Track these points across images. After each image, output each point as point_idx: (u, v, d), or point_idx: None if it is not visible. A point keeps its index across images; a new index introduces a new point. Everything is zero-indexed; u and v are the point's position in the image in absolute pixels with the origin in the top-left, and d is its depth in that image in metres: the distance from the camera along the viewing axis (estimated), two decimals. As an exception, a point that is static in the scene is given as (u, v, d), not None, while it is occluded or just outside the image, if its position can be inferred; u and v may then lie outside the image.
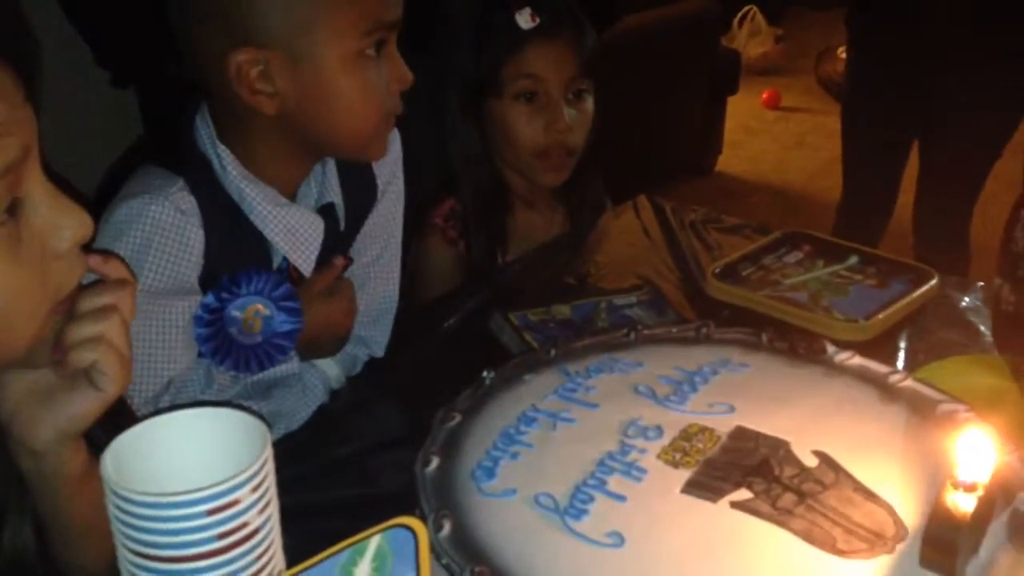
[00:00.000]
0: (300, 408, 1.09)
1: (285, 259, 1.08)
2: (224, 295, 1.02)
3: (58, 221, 0.65)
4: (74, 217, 0.66)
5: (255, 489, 0.61)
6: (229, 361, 1.03)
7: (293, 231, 1.05)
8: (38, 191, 0.64)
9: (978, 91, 2.10)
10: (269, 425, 0.65)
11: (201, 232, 1.00)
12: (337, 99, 0.99)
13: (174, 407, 0.66)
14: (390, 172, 1.20)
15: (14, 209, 0.63)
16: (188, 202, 1.00)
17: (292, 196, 1.08)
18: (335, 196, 1.11)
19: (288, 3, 0.95)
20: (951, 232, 2.29)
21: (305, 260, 1.07)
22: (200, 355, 1.05)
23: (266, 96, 0.98)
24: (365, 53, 0.99)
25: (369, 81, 1.00)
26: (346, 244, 1.16)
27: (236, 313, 1.03)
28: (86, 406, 0.69)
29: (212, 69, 0.98)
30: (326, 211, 1.10)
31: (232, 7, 0.95)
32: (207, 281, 1.02)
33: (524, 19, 1.39)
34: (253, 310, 1.03)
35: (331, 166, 1.11)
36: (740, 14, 4.85)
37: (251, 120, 1.01)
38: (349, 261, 1.14)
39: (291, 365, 1.09)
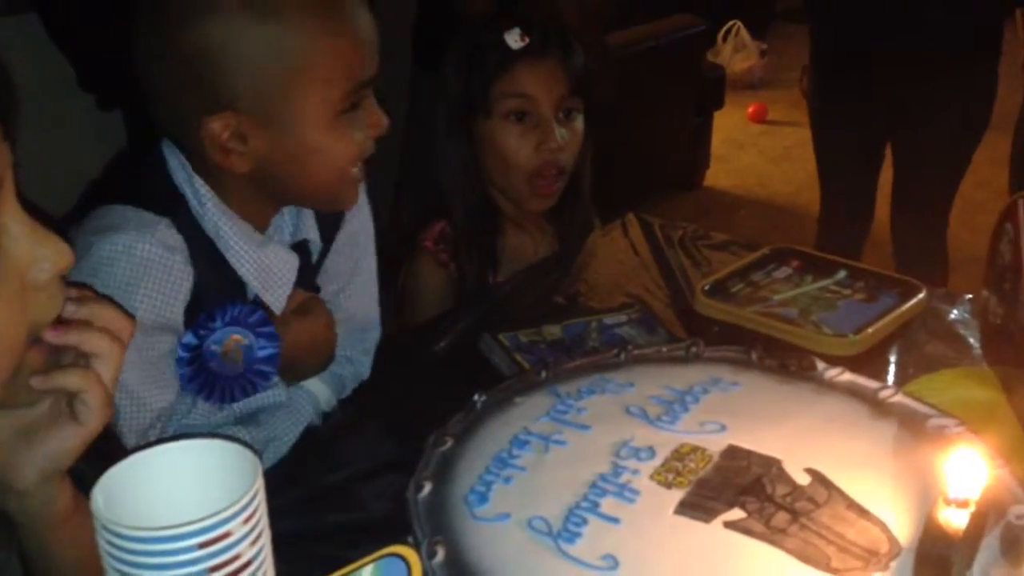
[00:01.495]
0: (289, 431, 1.09)
1: None
2: (202, 332, 1.01)
3: (37, 252, 0.64)
4: (53, 248, 0.64)
5: (247, 521, 0.61)
6: (216, 395, 1.03)
7: (266, 270, 1.04)
8: (14, 223, 0.63)
9: (939, 99, 2.12)
10: (259, 453, 0.65)
11: (190, 268, 1.00)
12: (312, 156, 0.99)
13: (163, 440, 0.66)
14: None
15: None
16: (175, 239, 0.99)
17: (265, 228, 1.07)
18: (311, 232, 1.11)
19: (265, 70, 0.94)
20: (927, 239, 2.31)
21: (276, 299, 1.06)
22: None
23: (239, 155, 0.98)
24: (342, 110, 0.99)
25: (345, 136, 1.00)
26: (315, 273, 1.15)
27: (215, 347, 1.02)
28: (67, 443, 0.68)
29: (185, 129, 0.98)
30: (300, 247, 1.10)
31: (207, 74, 0.94)
32: (187, 316, 1.02)
33: (513, 39, 1.39)
34: (232, 342, 1.03)
35: None
36: (724, 29, 4.89)
37: (222, 172, 1.00)
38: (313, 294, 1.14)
39: (277, 391, 1.08)
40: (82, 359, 0.69)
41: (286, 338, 1.06)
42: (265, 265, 1.04)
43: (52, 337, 0.67)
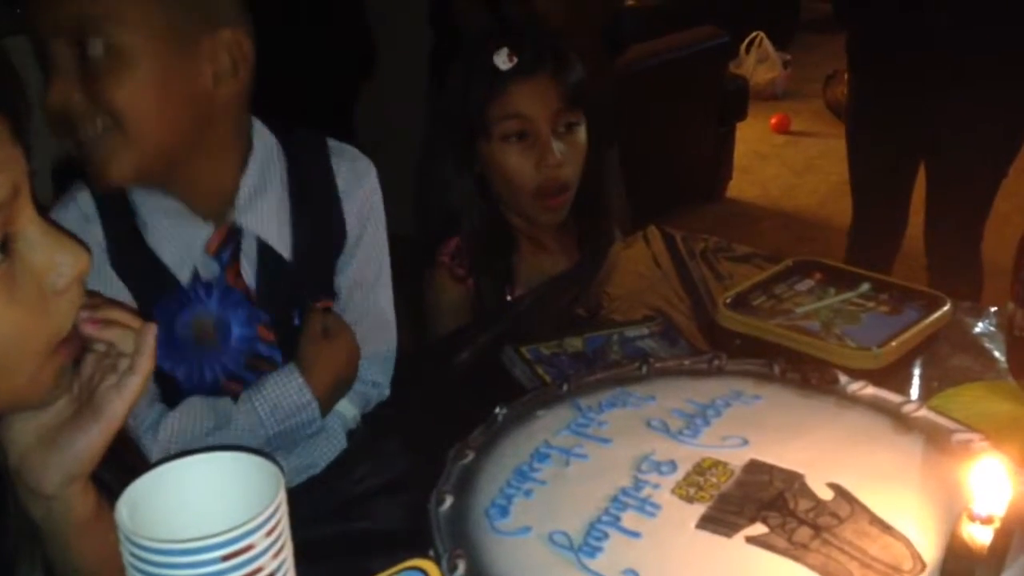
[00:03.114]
0: (324, 456, 1.10)
1: (222, 269, 1.08)
2: (161, 318, 1.02)
3: (54, 258, 0.65)
4: (71, 253, 0.66)
5: (269, 533, 0.61)
6: (208, 373, 1.06)
7: (175, 240, 1.06)
8: (31, 229, 0.64)
9: (979, 109, 2.10)
10: (283, 469, 0.66)
11: (101, 234, 1.04)
12: None
13: (187, 452, 0.66)
14: (363, 213, 1.18)
15: (7, 247, 0.63)
16: (90, 207, 1.05)
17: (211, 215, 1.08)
18: (267, 229, 1.09)
19: None
20: (963, 251, 2.29)
21: (182, 271, 1.07)
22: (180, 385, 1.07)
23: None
24: None
25: None
26: (317, 285, 1.14)
27: (186, 332, 1.06)
28: (90, 442, 0.70)
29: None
30: (236, 232, 1.08)
31: None
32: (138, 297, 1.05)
33: (502, 60, 1.39)
34: (199, 323, 1.06)
35: (282, 199, 1.10)
36: (747, 40, 4.89)
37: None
38: (329, 304, 1.15)
39: (315, 422, 1.09)
40: (107, 358, 0.70)
41: (318, 364, 1.07)
42: (175, 236, 1.06)
43: (91, 330, 0.68)
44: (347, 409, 1.14)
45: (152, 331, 0.72)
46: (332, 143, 1.18)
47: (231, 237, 1.08)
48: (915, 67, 2.13)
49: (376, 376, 1.20)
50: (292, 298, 1.12)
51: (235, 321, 1.08)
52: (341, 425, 1.12)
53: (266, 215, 1.09)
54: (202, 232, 1.07)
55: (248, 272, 1.09)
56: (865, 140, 2.35)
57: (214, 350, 1.07)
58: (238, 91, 1.04)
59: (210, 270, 1.08)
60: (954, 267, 2.25)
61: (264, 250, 1.09)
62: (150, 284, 1.05)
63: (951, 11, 2.04)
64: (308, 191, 1.13)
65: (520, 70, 1.40)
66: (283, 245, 1.10)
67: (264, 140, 1.11)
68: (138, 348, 0.70)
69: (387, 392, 1.21)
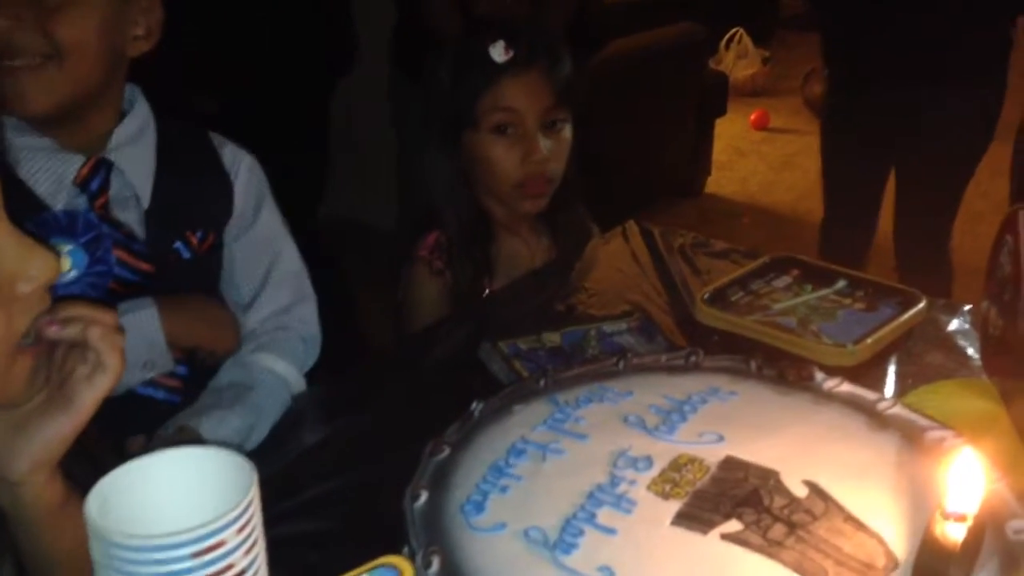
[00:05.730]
0: (267, 415, 1.11)
1: (90, 200, 1.10)
2: None
3: (26, 265, 0.65)
4: (41, 260, 0.66)
5: (241, 530, 0.61)
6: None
7: (46, 170, 1.08)
8: (3, 237, 0.64)
9: (948, 110, 2.12)
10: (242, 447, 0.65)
11: None
12: None
13: (157, 448, 0.66)
14: (250, 191, 1.22)
15: None
16: None
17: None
18: (130, 167, 1.12)
19: None
20: (931, 253, 2.31)
21: (51, 195, 1.08)
22: None
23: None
24: None
25: None
26: (171, 228, 1.16)
27: None
28: (59, 430, 0.70)
29: None
30: (102, 163, 1.11)
31: None
32: None
33: (498, 52, 1.39)
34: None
35: (151, 153, 1.15)
36: (727, 37, 4.90)
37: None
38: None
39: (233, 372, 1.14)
40: (78, 347, 0.69)
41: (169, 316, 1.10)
42: (48, 168, 1.08)
43: (53, 331, 0.68)
44: (274, 363, 1.16)
45: (115, 325, 0.72)
46: (215, 136, 1.24)
47: (99, 169, 1.12)
48: (887, 66, 2.14)
49: (303, 330, 1.23)
50: (164, 235, 1.16)
51: (95, 249, 1.09)
52: (281, 385, 1.15)
53: (134, 159, 1.14)
54: (75, 164, 1.10)
55: (117, 207, 1.13)
56: (838, 139, 2.37)
57: (65, 274, 1.09)
58: (142, 53, 1.12)
59: (79, 203, 1.11)
60: (923, 268, 2.27)
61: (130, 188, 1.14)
62: (21, 215, 1.06)
63: (922, 9, 2.05)
64: (182, 157, 1.18)
65: (514, 64, 1.40)
66: (144, 190, 1.14)
67: (144, 106, 1.17)
68: (106, 346, 0.70)
69: (317, 351, 1.24)
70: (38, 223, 1.07)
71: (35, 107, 1.05)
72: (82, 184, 1.10)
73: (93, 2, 1.04)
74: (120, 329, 0.73)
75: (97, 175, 1.11)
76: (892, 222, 2.39)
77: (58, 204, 1.09)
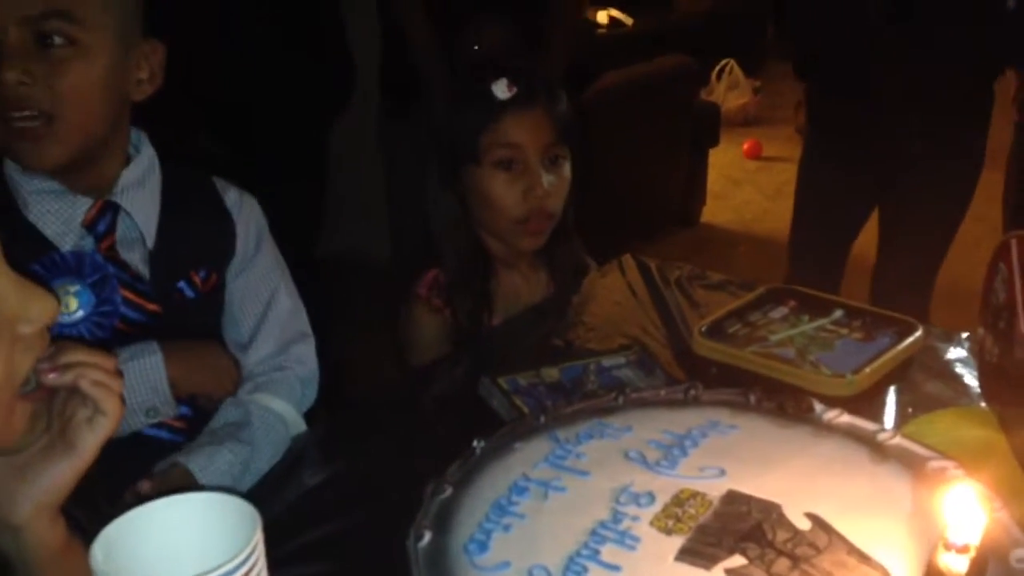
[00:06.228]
0: (264, 454, 1.12)
1: (96, 241, 1.11)
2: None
3: (26, 308, 0.66)
4: (41, 303, 0.67)
5: (247, 575, 0.61)
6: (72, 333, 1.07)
7: (55, 213, 1.10)
8: (3, 282, 0.65)
9: (933, 161, 2.07)
10: (257, 507, 0.65)
11: None
12: None
13: (162, 494, 0.66)
14: (251, 232, 1.24)
15: None
16: None
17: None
18: (136, 209, 1.14)
19: None
20: (911, 306, 2.24)
21: (59, 237, 1.10)
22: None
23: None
24: None
25: None
26: (175, 268, 1.17)
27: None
28: (61, 475, 0.70)
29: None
30: (109, 206, 1.13)
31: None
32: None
33: (501, 89, 1.41)
34: (61, 290, 1.07)
35: (155, 196, 1.16)
36: (718, 67, 4.95)
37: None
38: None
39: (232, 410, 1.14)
40: (78, 392, 0.70)
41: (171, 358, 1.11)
42: (57, 211, 1.10)
43: (50, 380, 0.68)
44: (271, 401, 1.17)
45: (113, 369, 0.72)
46: (217, 179, 1.26)
47: (106, 211, 1.13)
48: (867, 117, 2.11)
49: (300, 370, 1.24)
50: (168, 275, 1.17)
51: (101, 290, 1.11)
52: (278, 422, 1.15)
53: (139, 201, 1.15)
54: (82, 207, 1.12)
55: (124, 248, 1.14)
56: (814, 190, 2.33)
57: (71, 314, 1.10)
58: (146, 97, 1.13)
59: (86, 244, 1.12)
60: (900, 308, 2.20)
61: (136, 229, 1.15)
62: (29, 256, 1.09)
63: (903, 66, 2.02)
64: (185, 199, 1.20)
65: (517, 101, 1.42)
66: (149, 231, 1.16)
67: (148, 150, 1.18)
68: (101, 392, 0.70)
69: (315, 391, 1.25)
70: (46, 264, 1.09)
71: (44, 162, 1.07)
72: (89, 226, 1.12)
73: (97, 52, 1.05)
74: (119, 373, 0.73)
75: (104, 217, 1.12)
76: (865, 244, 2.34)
77: (66, 245, 1.10)
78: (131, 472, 1.05)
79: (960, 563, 0.70)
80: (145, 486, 1.03)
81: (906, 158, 2.09)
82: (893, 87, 2.01)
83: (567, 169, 1.47)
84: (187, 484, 1.05)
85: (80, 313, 1.09)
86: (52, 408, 0.71)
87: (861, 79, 2.05)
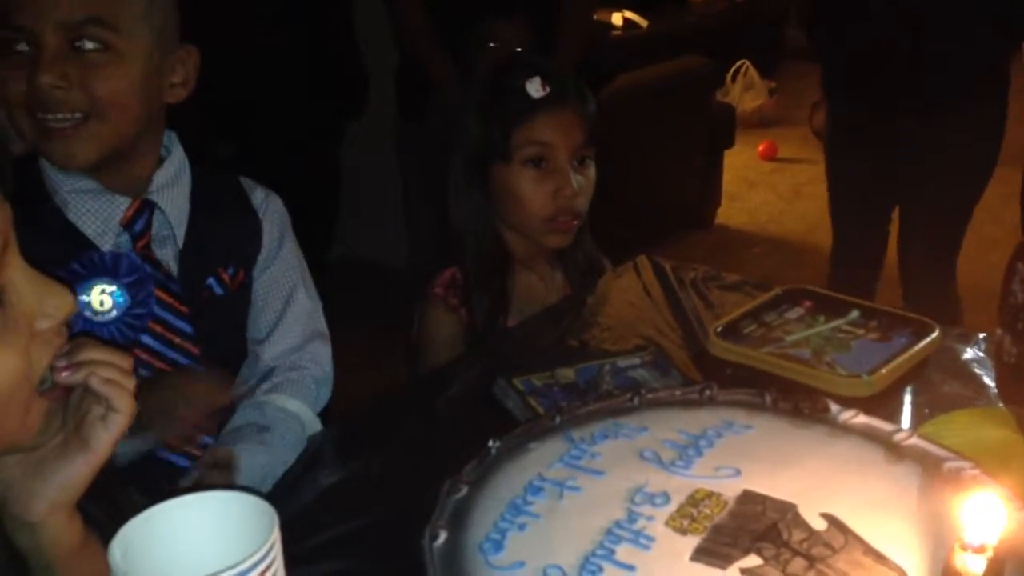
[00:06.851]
0: (281, 455, 1.12)
1: (133, 241, 1.12)
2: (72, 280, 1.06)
3: (43, 303, 0.67)
4: (58, 298, 0.68)
5: (263, 573, 0.61)
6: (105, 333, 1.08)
7: (93, 212, 1.11)
8: (19, 277, 0.66)
9: (949, 130, 2.12)
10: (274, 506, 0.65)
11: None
12: None
13: (179, 492, 0.66)
14: (276, 229, 1.26)
15: (1, 299, 0.64)
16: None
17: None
18: (170, 208, 1.15)
19: None
20: (937, 283, 2.29)
21: (99, 236, 1.11)
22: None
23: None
24: None
25: None
26: (204, 265, 1.19)
27: (84, 297, 1.08)
28: (76, 472, 0.71)
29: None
30: (147, 205, 1.14)
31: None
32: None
33: (535, 88, 1.42)
34: (98, 291, 1.09)
35: (187, 197, 1.18)
36: (733, 69, 4.93)
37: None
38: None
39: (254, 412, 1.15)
40: (90, 395, 0.70)
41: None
42: (95, 210, 1.11)
43: (63, 378, 0.69)
44: (287, 402, 1.17)
45: (127, 367, 0.73)
46: (244, 179, 1.28)
47: (143, 210, 1.14)
48: (887, 96, 2.15)
49: (316, 370, 1.24)
50: (198, 272, 1.18)
51: (136, 292, 1.12)
52: (295, 424, 1.16)
53: (173, 200, 1.17)
54: (121, 206, 1.13)
55: (156, 245, 1.15)
56: (842, 172, 2.38)
57: (106, 314, 1.11)
58: (179, 101, 1.14)
59: (124, 243, 1.14)
60: (929, 298, 2.26)
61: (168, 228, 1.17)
62: (70, 255, 1.10)
63: (920, 43, 2.06)
64: (214, 198, 1.21)
65: (550, 100, 1.43)
66: (180, 230, 1.17)
67: (179, 151, 1.20)
68: (112, 390, 0.70)
69: (330, 390, 1.26)
70: (85, 263, 1.10)
71: (79, 162, 1.08)
72: (127, 225, 1.13)
73: (132, 58, 1.06)
74: (133, 371, 0.73)
75: (141, 216, 1.14)
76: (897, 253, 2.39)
77: (106, 244, 1.12)
78: (149, 496, 1.06)
79: (977, 564, 0.70)
80: (188, 479, 1.04)
81: (924, 125, 2.13)
82: (905, 51, 2.05)
83: (593, 170, 1.48)
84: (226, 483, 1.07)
85: (114, 313, 1.10)
86: (67, 406, 0.72)
87: (881, 52, 2.09)
